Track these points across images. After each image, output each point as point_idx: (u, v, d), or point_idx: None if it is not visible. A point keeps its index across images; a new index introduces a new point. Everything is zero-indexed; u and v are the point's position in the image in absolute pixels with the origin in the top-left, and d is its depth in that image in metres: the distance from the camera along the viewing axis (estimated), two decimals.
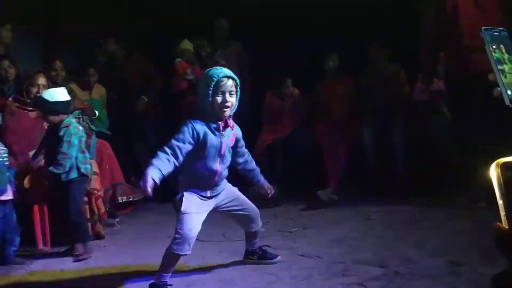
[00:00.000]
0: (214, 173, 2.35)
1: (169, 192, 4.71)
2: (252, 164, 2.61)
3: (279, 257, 2.68)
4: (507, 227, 0.48)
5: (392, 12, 4.59)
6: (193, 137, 2.25)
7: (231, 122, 2.35)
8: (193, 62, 4.84)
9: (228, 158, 2.42)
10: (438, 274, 2.31)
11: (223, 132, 2.33)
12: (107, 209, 3.68)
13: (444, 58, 3.82)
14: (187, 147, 2.24)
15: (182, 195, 2.33)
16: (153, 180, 2.08)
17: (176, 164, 2.20)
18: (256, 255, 2.69)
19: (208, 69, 2.35)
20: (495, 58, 0.92)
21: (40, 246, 3.20)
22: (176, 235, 2.26)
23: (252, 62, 5.03)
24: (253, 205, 2.62)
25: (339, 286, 2.27)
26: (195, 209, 2.31)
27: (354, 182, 4.31)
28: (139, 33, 5.17)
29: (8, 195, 2.93)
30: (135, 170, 4.54)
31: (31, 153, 3.37)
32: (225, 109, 2.28)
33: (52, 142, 3.09)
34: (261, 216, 3.67)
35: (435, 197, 3.84)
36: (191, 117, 2.31)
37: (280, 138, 4.45)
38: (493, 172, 0.50)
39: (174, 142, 2.22)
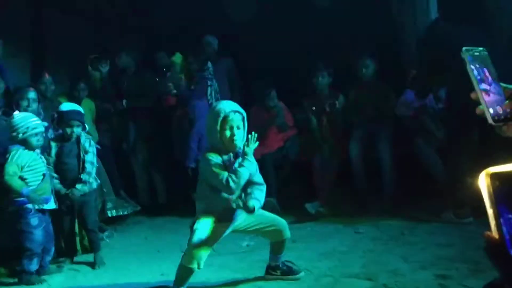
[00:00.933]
0: (228, 199, 2.40)
1: (159, 206, 4.71)
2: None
3: (302, 273, 2.64)
4: (497, 237, 0.50)
5: (377, 27, 4.67)
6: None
7: (241, 153, 2.42)
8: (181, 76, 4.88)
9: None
10: (425, 287, 2.34)
11: (235, 161, 2.40)
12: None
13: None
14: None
15: (198, 217, 2.43)
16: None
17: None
18: (279, 271, 2.64)
19: (215, 104, 2.45)
20: (476, 77, 0.94)
21: None
22: (186, 250, 2.39)
23: (241, 78, 5.07)
24: (276, 216, 2.66)
25: None
26: (208, 228, 2.38)
27: (342, 195, 4.34)
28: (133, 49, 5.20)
29: (52, 205, 2.96)
30: (125, 184, 4.55)
31: None
32: (234, 143, 2.37)
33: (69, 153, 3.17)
34: None
35: (421, 211, 3.88)
36: (203, 150, 2.53)
37: (270, 152, 4.48)
38: (483, 182, 0.52)
39: (224, 175, 2.34)
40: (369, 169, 4.23)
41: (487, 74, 0.95)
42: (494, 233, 0.49)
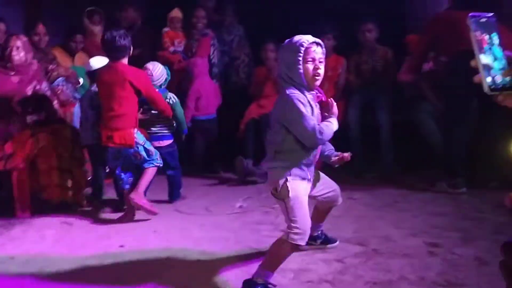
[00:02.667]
0: (313, 153, 2.11)
1: None
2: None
3: (338, 241, 2.52)
4: None
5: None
6: (311, 111, 2.05)
7: (321, 92, 2.14)
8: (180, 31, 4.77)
9: None
10: (415, 253, 2.36)
11: (317, 103, 2.10)
12: (89, 178, 3.64)
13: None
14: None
15: (286, 180, 2.03)
16: None
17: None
18: (319, 240, 2.49)
19: (293, 37, 2.09)
20: (478, 45, 0.92)
21: (20, 212, 3.17)
22: (293, 224, 1.98)
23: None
24: (333, 181, 2.41)
25: (319, 262, 2.30)
26: (303, 193, 2.07)
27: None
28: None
29: None
30: None
31: (14, 118, 3.31)
32: (317, 78, 2.05)
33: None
34: (245, 192, 3.75)
35: (416, 179, 3.89)
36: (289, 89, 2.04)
37: (268, 113, 4.43)
38: None
39: (313, 124, 1.99)
40: (366, 136, 4.21)
41: (491, 41, 0.92)
42: None
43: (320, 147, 2.17)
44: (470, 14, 0.94)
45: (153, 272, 2.25)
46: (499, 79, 0.91)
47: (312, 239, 2.45)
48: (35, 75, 3.45)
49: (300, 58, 2.02)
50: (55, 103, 3.55)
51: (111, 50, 3.07)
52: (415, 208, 3.16)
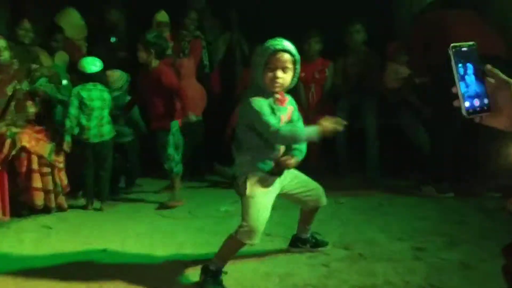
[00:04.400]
0: (277, 147, 2.13)
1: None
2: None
3: (329, 243, 2.51)
4: None
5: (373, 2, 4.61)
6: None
7: (285, 97, 2.14)
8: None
9: None
10: (400, 258, 2.35)
11: (280, 107, 2.11)
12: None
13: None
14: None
15: (246, 177, 2.09)
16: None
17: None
18: (308, 244, 2.48)
19: (268, 40, 2.10)
20: (458, 73, 1.02)
21: None
22: (243, 223, 2.06)
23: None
24: (313, 181, 2.39)
25: (303, 266, 2.28)
26: (261, 191, 2.10)
27: (324, 165, 4.32)
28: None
29: None
30: None
31: None
32: (275, 85, 2.06)
33: None
34: (231, 195, 3.70)
35: (402, 183, 3.90)
36: (248, 92, 2.12)
37: None
38: None
39: (274, 123, 2.00)
40: (353, 140, 4.21)
41: (470, 70, 1.03)
42: None
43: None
44: (451, 45, 1.04)
45: (136, 276, 2.20)
46: (477, 103, 1.02)
47: (301, 242, 2.49)
48: (15, 75, 3.37)
49: (263, 63, 2.04)
50: (37, 103, 3.48)
51: None
52: (401, 212, 3.16)
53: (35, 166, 3.16)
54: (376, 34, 4.36)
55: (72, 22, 4.57)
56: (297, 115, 2.22)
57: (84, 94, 3.39)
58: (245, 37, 4.93)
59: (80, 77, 3.50)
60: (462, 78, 1.02)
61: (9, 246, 2.67)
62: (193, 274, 2.20)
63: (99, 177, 3.51)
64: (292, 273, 2.20)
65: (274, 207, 3.32)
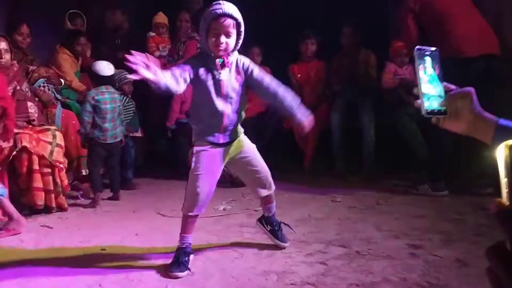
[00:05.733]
0: (219, 115, 2.19)
1: (136, 168, 4.61)
2: (275, 89, 2.22)
3: (288, 243, 2.51)
4: (508, 203, 0.52)
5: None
6: (193, 68, 2.13)
7: (230, 60, 2.18)
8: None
9: (235, 100, 2.22)
10: (397, 255, 2.38)
11: (221, 71, 2.17)
12: (70, 181, 3.60)
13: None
14: (186, 74, 2.11)
15: (192, 151, 2.23)
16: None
17: (174, 81, 2.02)
18: (270, 226, 2.51)
19: (211, 4, 2.14)
20: (419, 75, 1.08)
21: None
22: (186, 195, 2.22)
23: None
24: (266, 167, 2.41)
25: (301, 264, 2.30)
26: (205, 167, 2.19)
27: (321, 164, 4.36)
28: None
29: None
30: None
31: None
32: (219, 48, 2.11)
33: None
34: (229, 194, 3.74)
35: (398, 181, 3.94)
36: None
37: (250, 117, 4.44)
38: (502, 152, 0.53)
39: (175, 68, 2.12)
40: (349, 139, 4.25)
41: (433, 73, 1.09)
42: (506, 200, 0.50)
43: (231, 109, 2.21)
44: (416, 47, 1.09)
45: (135, 275, 2.22)
46: (435, 105, 1.08)
47: (264, 219, 2.55)
48: (15, 76, 3.39)
49: (206, 27, 2.11)
50: (36, 104, 3.50)
51: None
52: (397, 211, 3.20)
53: (35, 166, 3.18)
54: (373, 32, 4.39)
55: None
56: (259, 72, 2.24)
57: (99, 97, 3.45)
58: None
59: (94, 80, 3.56)
60: (424, 80, 1.07)
61: (10, 246, 2.68)
62: (193, 271, 2.22)
63: (113, 170, 3.71)
64: (290, 271, 2.22)
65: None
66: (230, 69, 2.20)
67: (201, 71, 2.16)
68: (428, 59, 1.08)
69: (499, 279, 0.50)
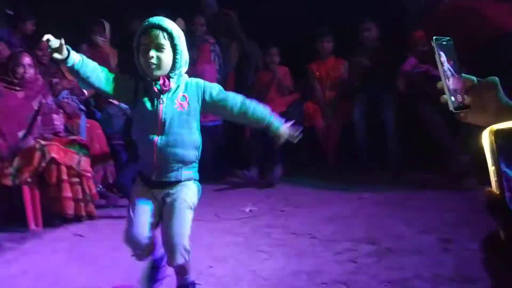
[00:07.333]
0: (151, 147, 1.86)
1: None
2: (243, 105, 1.91)
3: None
4: (498, 192, 0.50)
5: None
6: (129, 86, 1.90)
7: (171, 83, 1.85)
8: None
9: (175, 131, 1.86)
10: (428, 250, 2.35)
11: (162, 96, 1.85)
12: (98, 189, 3.65)
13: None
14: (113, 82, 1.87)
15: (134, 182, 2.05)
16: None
17: (90, 75, 1.84)
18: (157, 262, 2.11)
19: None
20: (443, 67, 1.00)
21: (32, 226, 3.19)
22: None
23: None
24: (176, 235, 1.92)
25: (331, 263, 2.29)
26: (138, 201, 1.94)
27: (345, 161, 4.33)
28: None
29: None
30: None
31: (20, 133, 3.33)
32: (151, 67, 1.81)
33: None
34: (254, 195, 3.75)
35: (424, 176, 3.88)
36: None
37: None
38: (486, 139, 0.51)
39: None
40: (373, 136, 4.21)
41: (452, 64, 1.01)
42: (495, 189, 0.49)
43: (170, 142, 1.86)
44: (434, 37, 1.01)
45: (166, 281, 2.24)
46: (460, 98, 1.00)
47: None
48: (40, 90, 3.47)
49: (136, 46, 1.86)
50: (62, 116, 3.58)
51: None
52: (425, 205, 3.15)
53: (64, 176, 3.25)
54: (389, 30, 4.35)
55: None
56: (218, 92, 1.91)
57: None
58: (256, 41, 4.93)
59: None
60: (448, 73, 1.00)
61: (44, 256, 2.75)
62: (223, 275, 2.24)
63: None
64: (320, 271, 2.22)
65: (298, 206, 3.35)
66: (172, 95, 1.87)
67: (139, 93, 1.89)
68: (446, 50, 1.01)
69: (496, 269, 0.50)
